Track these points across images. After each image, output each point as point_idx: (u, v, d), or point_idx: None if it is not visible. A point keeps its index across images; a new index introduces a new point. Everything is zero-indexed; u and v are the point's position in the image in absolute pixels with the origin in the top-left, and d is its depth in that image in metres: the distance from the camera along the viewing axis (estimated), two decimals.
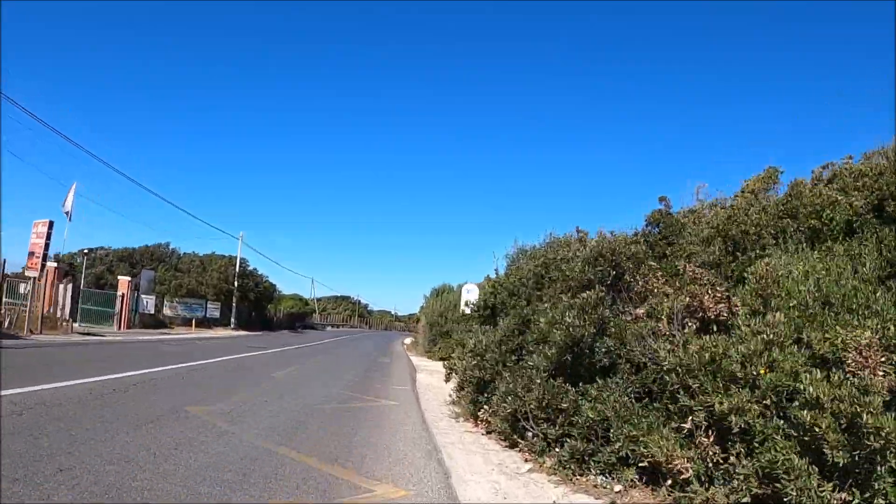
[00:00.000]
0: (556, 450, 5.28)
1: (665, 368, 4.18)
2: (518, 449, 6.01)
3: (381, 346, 34.46)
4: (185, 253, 42.08)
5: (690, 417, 3.91)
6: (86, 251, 34.54)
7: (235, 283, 40.15)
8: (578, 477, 4.84)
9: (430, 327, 26.89)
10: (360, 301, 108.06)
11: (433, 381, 13.61)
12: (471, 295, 25.80)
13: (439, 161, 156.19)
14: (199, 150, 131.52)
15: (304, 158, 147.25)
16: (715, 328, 4.43)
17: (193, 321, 37.41)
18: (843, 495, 3.07)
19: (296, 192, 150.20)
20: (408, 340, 46.70)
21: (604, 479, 4.66)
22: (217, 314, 40.56)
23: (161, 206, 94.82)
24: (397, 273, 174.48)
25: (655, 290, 5.30)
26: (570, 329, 5.76)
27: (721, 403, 3.63)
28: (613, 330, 5.43)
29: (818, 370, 3.34)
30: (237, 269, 40.29)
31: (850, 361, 3.27)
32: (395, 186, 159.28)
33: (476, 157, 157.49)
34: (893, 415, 2.88)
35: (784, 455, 3.15)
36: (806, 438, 3.16)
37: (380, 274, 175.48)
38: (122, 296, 33.14)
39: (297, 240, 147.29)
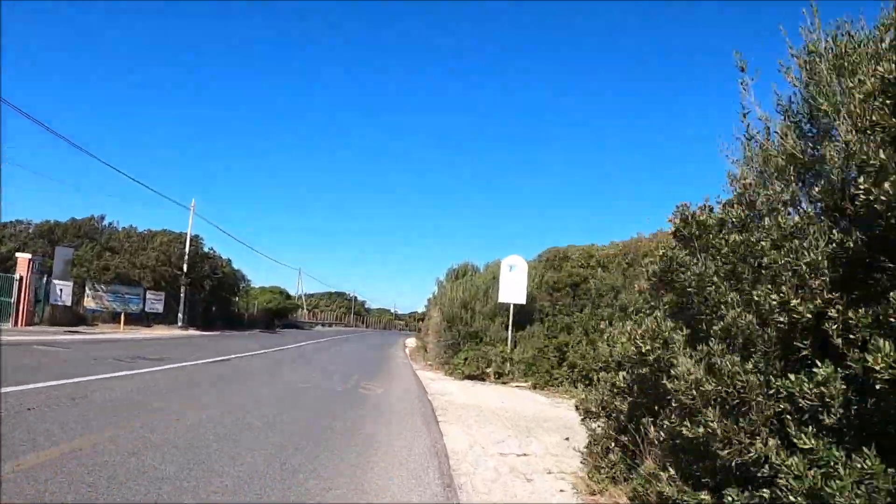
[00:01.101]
0: None
1: None
2: None
3: (371, 355, 24.73)
4: (123, 228, 32.39)
5: None
6: None
7: (184, 267, 30.47)
8: None
9: (447, 326, 17.35)
10: (355, 298, 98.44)
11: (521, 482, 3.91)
12: (516, 274, 16.20)
13: (442, 143, 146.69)
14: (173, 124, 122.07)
15: (292, 137, 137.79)
16: None
17: (123, 316, 27.78)
18: None
19: (283, 177, 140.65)
20: (410, 342, 36.93)
21: None
22: (160, 308, 30.89)
23: (100, 172, 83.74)
24: (397, 270, 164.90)
25: None
26: None
27: None
28: None
29: None
30: (187, 249, 30.63)
31: None
32: (394, 178, 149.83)
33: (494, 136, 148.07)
34: None
35: None
36: None
37: (378, 270, 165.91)
38: (21, 280, 23.56)
39: (286, 230, 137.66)
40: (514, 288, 15.83)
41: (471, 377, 15.09)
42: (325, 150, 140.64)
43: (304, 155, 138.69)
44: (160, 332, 29.01)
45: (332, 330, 57.58)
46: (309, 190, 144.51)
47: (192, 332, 29.80)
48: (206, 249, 32.12)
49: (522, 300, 15.98)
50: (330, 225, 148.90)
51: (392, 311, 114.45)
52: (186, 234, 31.22)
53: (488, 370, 15.36)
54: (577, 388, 13.87)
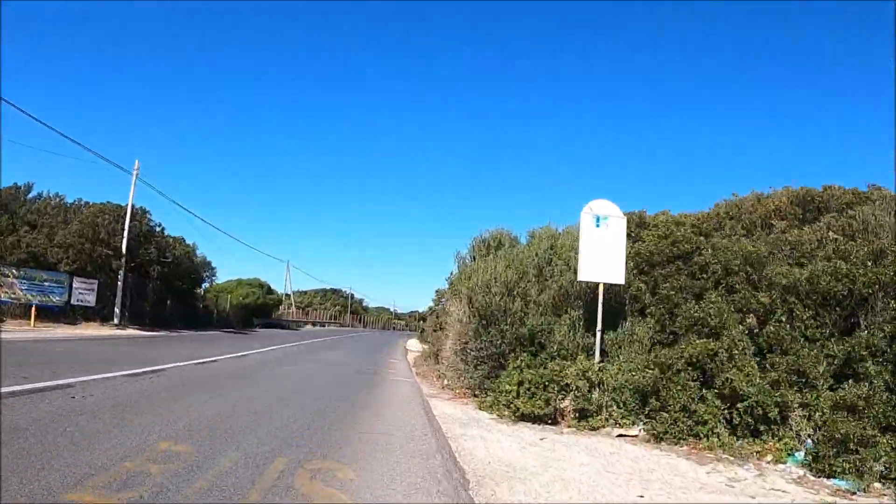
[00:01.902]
0: None
1: None
2: None
3: (356, 373, 17.74)
4: (46, 197, 25.42)
5: None
6: None
7: (123, 247, 23.55)
8: None
9: (481, 325, 10.43)
10: (352, 295, 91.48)
11: None
12: (608, 233, 8.75)
13: (444, 137, 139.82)
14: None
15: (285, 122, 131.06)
16: None
17: (33, 310, 20.88)
18: None
19: (274, 166, 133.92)
20: (412, 344, 30.01)
21: None
22: (91, 299, 23.94)
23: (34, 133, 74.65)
24: (397, 267, 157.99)
25: None
26: None
27: None
28: None
29: None
30: (127, 224, 23.69)
31: None
32: (392, 169, 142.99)
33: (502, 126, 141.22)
34: None
35: None
36: None
37: (378, 267, 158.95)
38: None
39: (275, 221, 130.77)
40: (604, 256, 8.88)
41: (531, 418, 8.17)
42: (318, 132, 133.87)
43: (295, 139, 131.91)
44: (89, 330, 22.13)
45: (323, 330, 50.63)
46: (306, 182, 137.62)
47: (132, 331, 22.88)
48: (152, 226, 25.05)
49: (620, 278, 9.07)
50: (326, 218, 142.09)
51: (392, 309, 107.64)
52: (127, 206, 24.24)
53: (563, 404, 8.45)
54: (752, 440, 7.28)
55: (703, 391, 7.85)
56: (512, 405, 8.32)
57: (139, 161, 25.26)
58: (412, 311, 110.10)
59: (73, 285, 23.36)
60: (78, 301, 23.67)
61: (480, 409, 9.12)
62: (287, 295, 61.57)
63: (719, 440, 7.42)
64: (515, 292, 10.43)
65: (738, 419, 7.51)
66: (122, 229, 23.79)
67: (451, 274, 15.55)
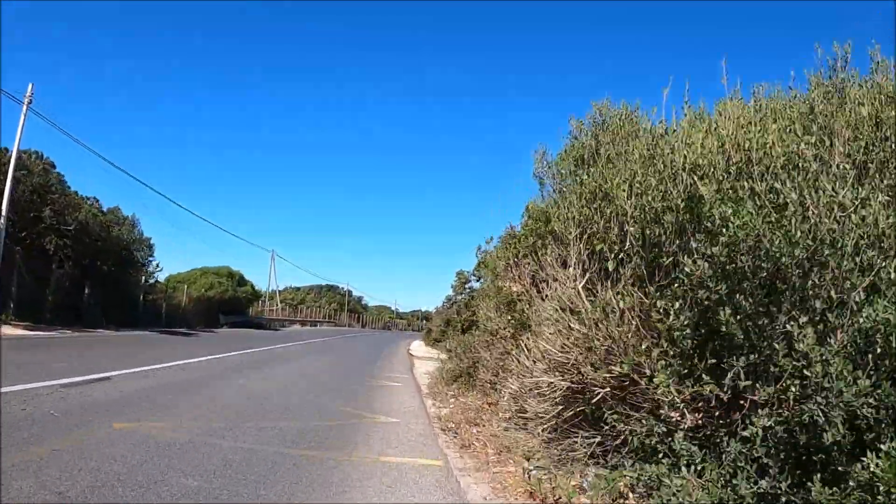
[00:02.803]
0: None
1: None
2: None
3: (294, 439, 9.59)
4: None
5: None
6: None
7: (3, 207, 16.15)
8: None
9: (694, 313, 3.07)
10: (350, 292, 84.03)
11: None
12: None
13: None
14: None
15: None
16: None
17: None
18: None
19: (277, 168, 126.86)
20: (417, 349, 22.48)
21: None
22: None
23: None
24: (398, 265, 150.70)
25: None
26: None
27: None
28: None
29: None
30: (10, 174, 16.27)
31: None
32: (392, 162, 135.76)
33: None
34: None
35: None
36: None
37: (378, 264, 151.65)
38: None
39: (266, 209, 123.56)
40: None
41: None
42: (314, 119, 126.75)
43: (288, 125, 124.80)
44: None
45: (311, 331, 43.23)
46: (306, 179, 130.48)
47: (8, 331, 15.46)
48: (44, 176, 17.45)
49: None
50: (324, 211, 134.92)
51: (393, 308, 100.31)
52: (12, 150, 16.79)
53: None
54: None
55: None
56: None
57: (33, 85, 17.66)
58: (414, 311, 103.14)
59: None
60: None
61: None
62: (275, 291, 54.11)
63: None
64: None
65: None
66: (3, 181, 16.34)
67: (510, 228, 8.05)
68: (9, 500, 3.01)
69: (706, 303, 3.12)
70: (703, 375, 3.08)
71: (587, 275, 4.31)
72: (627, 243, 4.00)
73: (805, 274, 2.86)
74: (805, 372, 2.63)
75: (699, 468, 2.94)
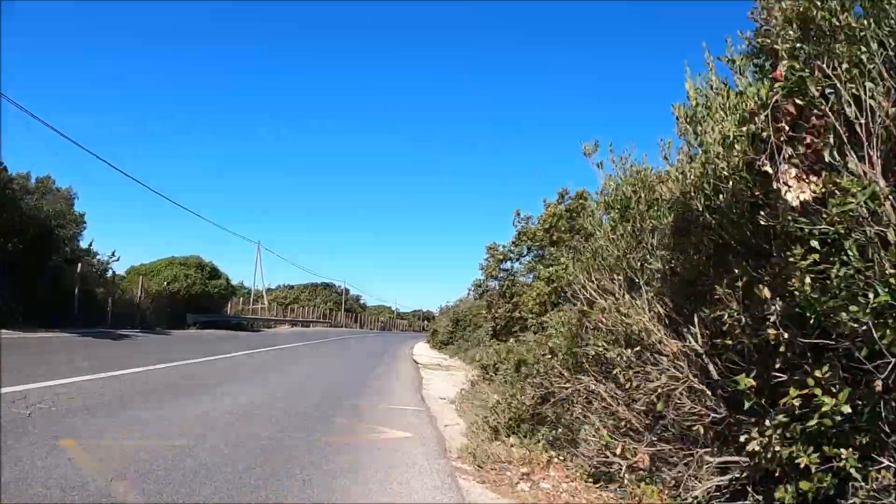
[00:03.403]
0: None
1: None
2: None
3: None
4: None
5: None
6: None
7: None
8: None
9: None
10: (347, 290, 79.22)
11: None
12: None
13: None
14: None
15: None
16: None
17: None
18: None
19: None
20: (421, 355, 17.53)
21: None
22: None
23: None
24: (398, 264, 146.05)
25: None
26: None
27: None
28: None
29: None
30: None
31: None
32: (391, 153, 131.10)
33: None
34: None
35: None
36: None
37: (378, 263, 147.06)
38: None
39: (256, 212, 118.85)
40: None
41: None
42: (316, 105, 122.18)
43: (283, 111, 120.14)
44: None
45: (301, 333, 38.40)
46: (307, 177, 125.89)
47: None
48: None
49: None
50: (323, 208, 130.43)
51: (394, 308, 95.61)
52: None
53: None
54: None
55: None
56: None
57: None
58: (415, 311, 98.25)
59: None
60: None
61: None
62: (263, 288, 49.24)
63: None
64: None
65: None
66: None
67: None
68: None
69: None
70: None
71: None
72: None
73: None
74: None
75: None
